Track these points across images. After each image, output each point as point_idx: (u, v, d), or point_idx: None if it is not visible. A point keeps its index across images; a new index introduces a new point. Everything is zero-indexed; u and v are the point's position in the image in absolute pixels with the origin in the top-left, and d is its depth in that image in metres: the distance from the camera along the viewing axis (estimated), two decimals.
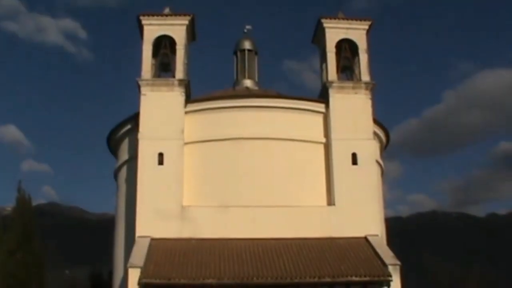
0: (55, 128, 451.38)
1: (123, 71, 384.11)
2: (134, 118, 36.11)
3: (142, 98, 34.98)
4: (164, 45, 36.57)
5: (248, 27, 42.98)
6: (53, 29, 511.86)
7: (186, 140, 34.50)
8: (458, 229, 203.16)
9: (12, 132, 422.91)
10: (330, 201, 34.61)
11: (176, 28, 36.48)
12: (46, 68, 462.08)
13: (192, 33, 38.14)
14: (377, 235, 33.69)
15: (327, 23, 37.31)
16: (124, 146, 38.79)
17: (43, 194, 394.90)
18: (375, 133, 37.06)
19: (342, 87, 36.26)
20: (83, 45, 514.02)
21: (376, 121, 37.18)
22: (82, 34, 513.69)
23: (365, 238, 33.15)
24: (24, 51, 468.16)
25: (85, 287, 56.99)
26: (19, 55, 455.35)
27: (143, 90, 35.01)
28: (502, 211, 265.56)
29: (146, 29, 36.35)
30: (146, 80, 35.25)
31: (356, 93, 36.12)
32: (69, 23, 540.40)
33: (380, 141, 39.99)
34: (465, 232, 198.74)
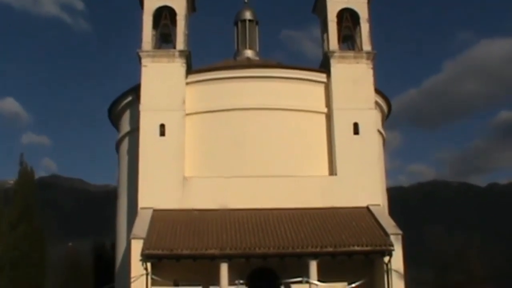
0: (54, 100, 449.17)
1: (122, 42, 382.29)
2: (135, 90, 36.02)
3: (143, 69, 34.86)
4: (164, 16, 36.35)
5: None
6: (49, 0, 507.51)
7: (188, 111, 34.44)
8: (459, 198, 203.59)
9: (10, 105, 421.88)
10: (332, 171, 34.65)
11: None
12: (43, 40, 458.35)
13: (192, 3, 37.91)
14: (378, 205, 33.81)
15: None
16: (126, 118, 38.78)
17: (43, 167, 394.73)
18: (376, 103, 36.98)
19: (343, 57, 36.10)
20: (80, 16, 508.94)
21: (377, 91, 37.05)
22: (79, 5, 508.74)
23: (367, 208, 33.27)
24: (20, 23, 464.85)
25: (88, 259, 57.16)
26: (15, 27, 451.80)
27: (144, 61, 34.88)
28: (503, 180, 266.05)
29: None
30: (147, 51, 35.11)
31: (357, 62, 35.96)
32: None
33: (382, 110, 39.91)
34: (466, 202, 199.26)
